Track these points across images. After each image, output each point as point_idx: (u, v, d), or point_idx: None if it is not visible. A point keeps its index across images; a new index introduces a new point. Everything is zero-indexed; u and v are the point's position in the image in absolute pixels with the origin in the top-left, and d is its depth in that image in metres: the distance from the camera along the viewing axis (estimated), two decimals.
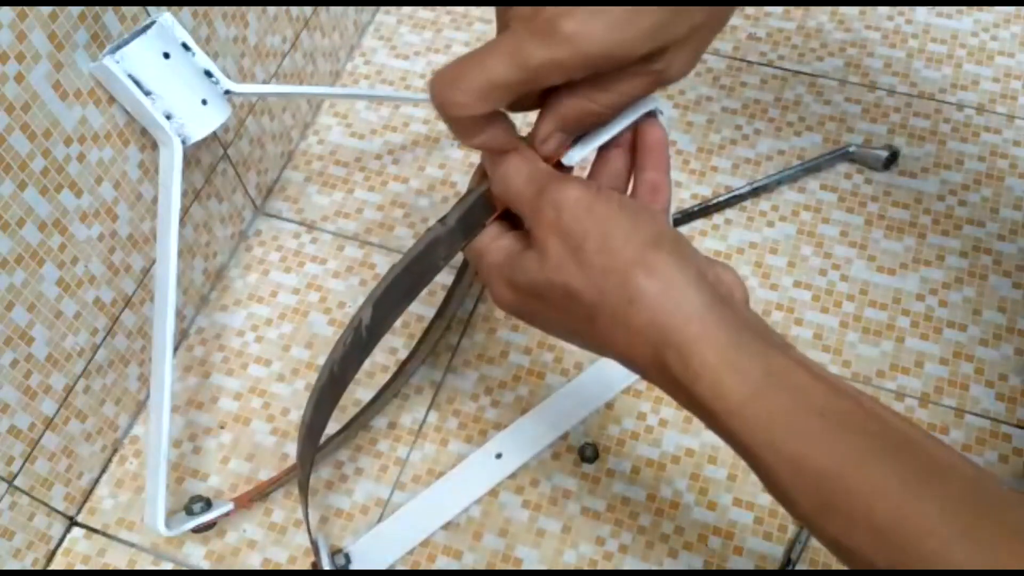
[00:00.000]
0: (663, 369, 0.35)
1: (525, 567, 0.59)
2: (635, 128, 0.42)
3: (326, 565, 0.56)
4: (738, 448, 0.35)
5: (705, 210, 0.71)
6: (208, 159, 0.65)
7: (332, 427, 0.64)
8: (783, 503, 0.34)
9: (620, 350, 0.37)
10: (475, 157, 0.76)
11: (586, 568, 0.59)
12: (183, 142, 0.55)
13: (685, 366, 0.34)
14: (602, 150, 0.42)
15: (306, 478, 0.54)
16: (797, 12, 0.82)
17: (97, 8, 0.51)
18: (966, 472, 0.32)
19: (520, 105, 0.39)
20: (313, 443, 0.53)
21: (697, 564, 0.59)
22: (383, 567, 0.59)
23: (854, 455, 0.32)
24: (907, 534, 0.31)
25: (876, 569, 0.32)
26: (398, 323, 0.68)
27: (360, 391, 0.66)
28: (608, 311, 0.36)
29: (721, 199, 0.71)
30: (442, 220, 0.43)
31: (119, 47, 0.51)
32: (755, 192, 0.72)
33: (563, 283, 0.37)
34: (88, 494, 0.63)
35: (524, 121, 0.41)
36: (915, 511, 0.31)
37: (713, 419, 0.35)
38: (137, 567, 0.60)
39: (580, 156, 0.41)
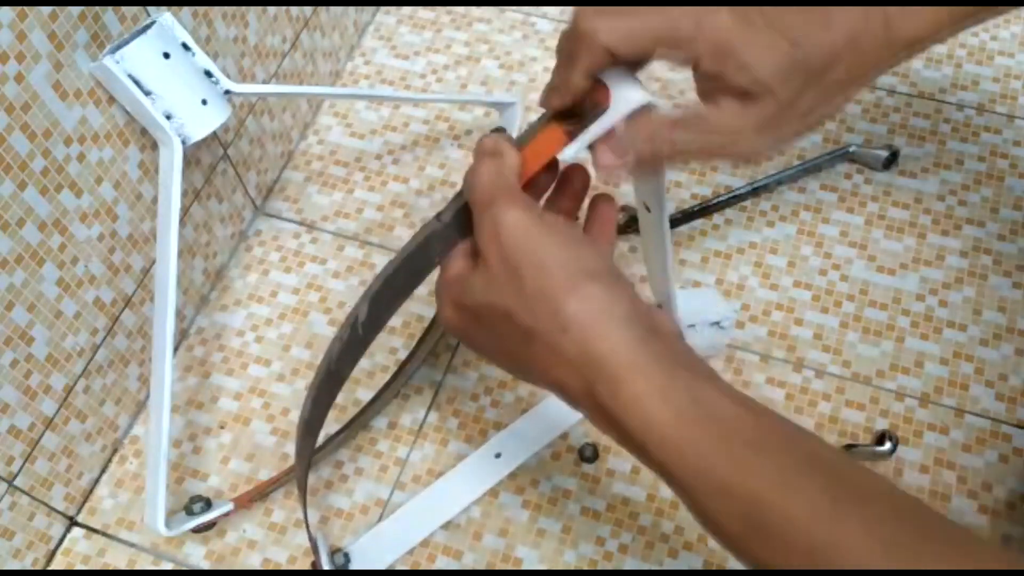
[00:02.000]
0: (593, 399, 0.36)
1: (525, 567, 0.59)
2: (590, 201, 0.44)
3: (325, 564, 0.56)
4: (667, 478, 0.36)
5: (705, 210, 0.71)
6: (208, 159, 0.65)
7: (332, 427, 0.64)
8: (711, 530, 0.35)
9: (553, 378, 0.37)
10: None
11: (586, 568, 0.59)
12: (183, 142, 0.55)
13: (614, 396, 0.35)
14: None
15: (304, 474, 0.54)
16: None
17: (97, 8, 0.51)
18: (885, 488, 0.34)
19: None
20: (311, 438, 0.53)
21: (697, 564, 0.59)
22: (383, 567, 0.59)
23: (782, 480, 0.33)
24: (840, 551, 0.32)
25: None
26: (398, 323, 0.68)
27: (360, 391, 0.66)
28: (542, 337, 0.36)
29: (721, 199, 0.71)
30: (438, 216, 0.43)
31: (119, 47, 0.51)
32: (755, 192, 0.72)
33: (502, 305, 0.37)
34: (88, 494, 0.63)
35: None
36: (845, 529, 0.32)
37: (642, 450, 0.35)
38: (137, 567, 0.60)
39: (574, 152, 0.41)
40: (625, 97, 0.40)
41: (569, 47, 0.39)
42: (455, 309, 0.40)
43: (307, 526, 0.55)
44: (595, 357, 0.35)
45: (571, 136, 0.41)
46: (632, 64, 0.40)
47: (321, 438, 0.63)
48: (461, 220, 0.43)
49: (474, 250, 0.41)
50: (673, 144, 0.39)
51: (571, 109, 0.41)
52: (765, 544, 0.33)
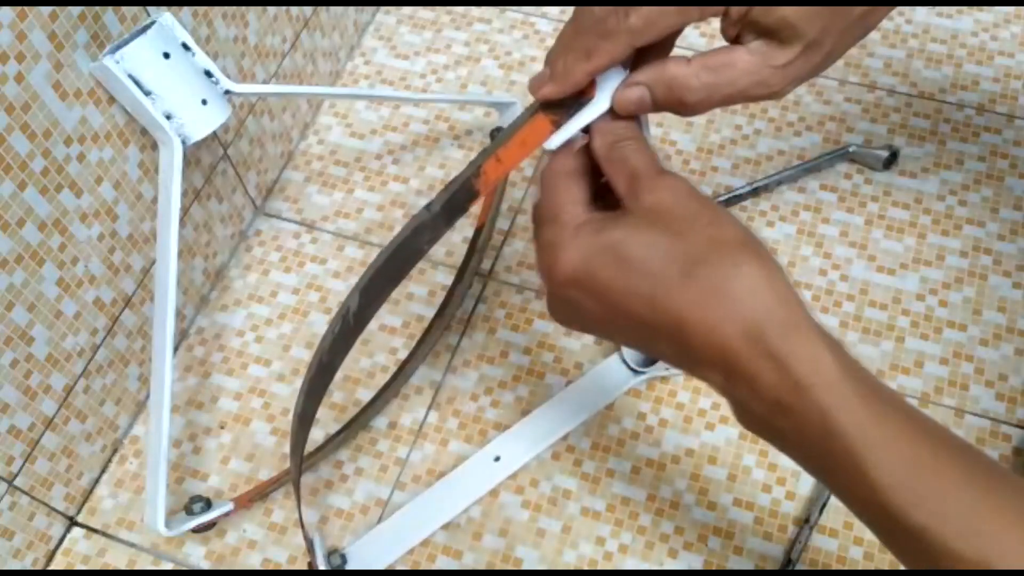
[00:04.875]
0: (757, 339, 0.35)
1: (525, 567, 0.59)
2: None
3: (321, 564, 0.56)
4: (819, 428, 0.35)
5: None
6: (208, 159, 0.65)
7: (332, 427, 0.64)
8: (860, 489, 0.35)
9: (703, 320, 0.36)
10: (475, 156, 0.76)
11: (586, 568, 0.59)
12: (183, 142, 0.55)
13: (785, 339, 0.35)
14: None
15: (298, 468, 0.54)
16: None
17: (97, 8, 0.51)
18: (1009, 471, 0.37)
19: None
20: (304, 432, 0.53)
21: (697, 564, 0.59)
22: (382, 567, 0.59)
23: (930, 446, 0.35)
24: (981, 515, 0.34)
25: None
26: (398, 323, 0.68)
27: (360, 391, 0.66)
28: (708, 271, 0.36)
29: (721, 199, 0.71)
30: (427, 207, 0.44)
31: (119, 47, 0.51)
32: (755, 192, 0.72)
33: (666, 240, 0.37)
34: (88, 494, 0.63)
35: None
36: (987, 496, 0.34)
37: (802, 394, 0.35)
38: (137, 567, 0.60)
39: (559, 141, 0.42)
40: (611, 88, 0.41)
41: (588, 44, 0.39)
42: (585, 244, 0.38)
43: (301, 523, 0.55)
44: (766, 299, 0.36)
45: (557, 126, 0.41)
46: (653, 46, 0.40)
47: (321, 438, 0.63)
48: (450, 209, 0.44)
49: (604, 202, 0.41)
50: (698, 90, 0.39)
51: (558, 100, 0.41)
52: (914, 498, 0.34)
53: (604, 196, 0.41)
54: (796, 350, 0.35)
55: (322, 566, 0.57)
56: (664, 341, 0.38)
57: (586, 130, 0.42)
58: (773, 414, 0.36)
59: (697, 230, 0.37)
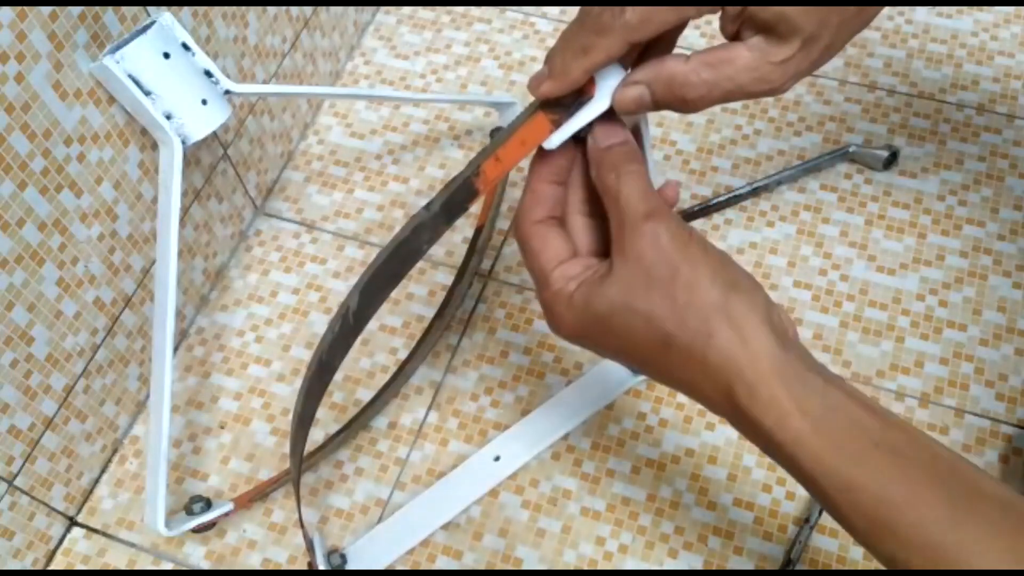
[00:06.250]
0: (731, 401, 0.38)
1: (525, 567, 0.59)
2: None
3: (321, 564, 0.57)
4: (797, 474, 0.38)
5: (705, 210, 0.71)
6: (208, 159, 0.65)
7: (332, 427, 0.64)
8: (841, 524, 0.38)
9: (689, 379, 0.39)
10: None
11: (586, 568, 0.59)
12: (183, 142, 0.55)
13: (753, 400, 0.38)
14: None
15: (297, 467, 0.54)
16: None
17: (97, 8, 0.51)
18: (1003, 495, 0.37)
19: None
20: (304, 431, 0.53)
21: (697, 564, 0.59)
22: (382, 567, 0.59)
23: (906, 482, 0.36)
24: (958, 553, 0.35)
25: None
26: (398, 323, 0.68)
27: (360, 391, 0.66)
28: (685, 343, 0.38)
29: (721, 199, 0.71)
30: (427, 206, 0.44)
31: (119, 47, 0.51)
32: (755, 192, 0.72)
33: (646, 311, 0.39)
34: (88, 494, 0.63)
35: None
36: (964, 532, 0.35)
37: (776, 448, 0.38)
38: (137, 567, 0.60)
39: (558, 140, 0.41)
40: (611, 88, 0.41)
41: (584, 41, 0.39)
42: (580, 313, 0.41)
43: (301, 523, 0.55)
44: (737, 363, 0.38)
45: (556, 125, 0.41)
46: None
47: (321, 438, 0.63)
48: (449, 209, 0.44)
49: (576, 258, 0.42)
50: (697, 86, 0.39)
51: (557, 99, 0.41)
52: (889, 541, 0.36)
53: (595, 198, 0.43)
54: (764, 411, 0.38)
55: (322, 566, 0.57)
56: (666, 384, 0.42)
57: (583, 133, 0.42)
58: (764, 451, 0.40)
59: (675, 296, 0.39)
